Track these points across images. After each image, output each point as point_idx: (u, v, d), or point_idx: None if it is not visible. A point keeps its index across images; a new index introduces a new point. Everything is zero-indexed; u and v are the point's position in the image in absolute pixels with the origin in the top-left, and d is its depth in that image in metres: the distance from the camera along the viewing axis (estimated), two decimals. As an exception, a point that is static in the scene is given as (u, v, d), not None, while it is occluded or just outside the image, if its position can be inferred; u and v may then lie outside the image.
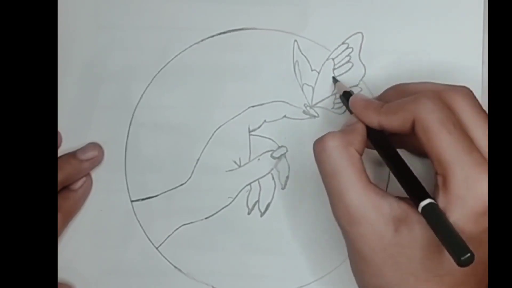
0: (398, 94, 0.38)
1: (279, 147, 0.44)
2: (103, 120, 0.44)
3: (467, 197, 0.32)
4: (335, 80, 0.43)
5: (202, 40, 0.44)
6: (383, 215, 0.34)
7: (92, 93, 0.44)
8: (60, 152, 0.43)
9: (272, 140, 0.44)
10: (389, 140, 0.37)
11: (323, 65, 0.43)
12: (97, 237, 0.44)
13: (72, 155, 0.43)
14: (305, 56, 0.44)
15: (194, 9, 0.44)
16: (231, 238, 0.43)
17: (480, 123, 0.34)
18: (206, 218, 0.44)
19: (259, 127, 0.44)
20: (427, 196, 0.33)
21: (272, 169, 0.44)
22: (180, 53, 0.44)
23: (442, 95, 0.35)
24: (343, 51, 0.43)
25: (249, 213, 0.44)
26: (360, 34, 0.43)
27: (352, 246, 0.35)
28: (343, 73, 0.43)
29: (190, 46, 0.44)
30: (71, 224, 0.43)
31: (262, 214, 0.44)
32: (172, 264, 0.44)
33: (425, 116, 0.33)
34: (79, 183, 0.43)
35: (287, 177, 0.44)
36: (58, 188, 0.42)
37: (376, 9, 0.43)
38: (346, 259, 0.42)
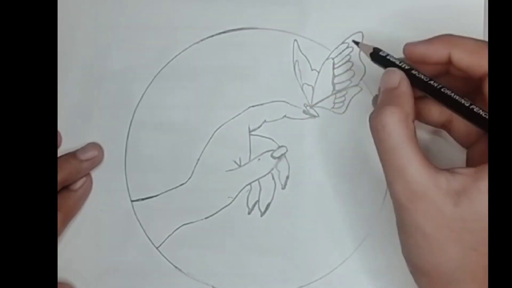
0: (445, 46, 0.37)
1: (279, 147, 0.44)
2: (103, 120, 0.44)
3: None
4: (356, 42, 0.41)
5: (202, 40, 0.44)
6: (442, 190, 0.33)
7: (92, 93, 0.44)
8: (60, 152, 0.43)
9: (272, 140, 0.44)
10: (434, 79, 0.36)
11: (323, 64, 0.43)
12: (97, 237, 0.44)
13: (72, 155, 0.43)
14: (305, 56, 0.44)
15: (194, 9, 0.44)
16: (231, 238, 0.43)
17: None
18: (206, 218, 0.44)
19: (259, 127, 0.44)
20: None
21: (272, 169, 0.44)
22: (180, 53, 0.44)
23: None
24: (343, 51, 0.43)
25: (249, 213, 0.44)
26: (360, 34, 0.43)
27: (411, 222, 0.34)
28: (343, 72, 0.43)
29: (190, 46, 0.44)
30: (71, 224, 0.43)
31: (262, 214, 0.44)
32: (172, 264, 0.43)
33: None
34: (79, 183, 0.43)
35: (287, 177, 0.44)
36: (58, 188, 0.42)
37: (376, 9, 0.43)
38: (346, 259, 0.43)
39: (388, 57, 0.38)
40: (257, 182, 0.44)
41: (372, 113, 0.35)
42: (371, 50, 0.39)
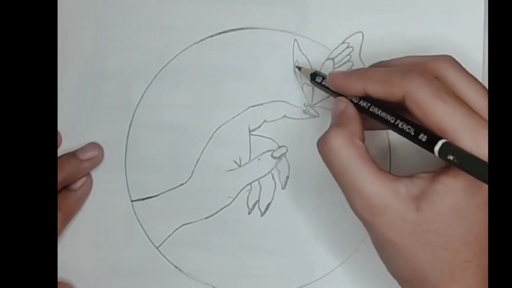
0: (360, 80, 0.37)
1: (279, 146, 0.44)
2: (103, 120, 0.44)
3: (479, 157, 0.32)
4: (298, 68, 0.43)
5: (202, 40, 0.44)
6: (402, 198, 0.34)
7: (92, 93, 0.44)
8: (60, 151, 0.43)
9: (272, 140, 0.44)
10: (379, 103, 0.36)
11: (323, 64, 0.43)
12: (97, 237, 0.44)
13: (72, 155, 0.43)
14: (305, 56, 0.43)
15: (194, 9, 0.44)
16: (231, 238, 0.43)
17: (472, 85, 0.35)
18: (206, 218, 0.44)
19: (259, 127, 0.44)
20: (438, 138, 0.32)
21: (272, 169, 0.44)
22: (180, 53, 0.44)
23: (427, 67, 0.35)
24: (343, 51, 0.43)
25: (249, 213, 0.44)
26: (360, 34, 0.43)
27: (378, 235, 0.35)
28: (343, 72, 0.43)
29: (190, 46, 0.44)
30: (71, 224, 0.43)
31: (262, 214, 0.44)
32: (172, 264, 0.44)
33: (415, 91, 0.33)
34: (79, 182, 0.43)
35: (287, 177, 0.44)
36: (58, 188, 0.42)
37: (376, 9, 0.43)
38: (346, 260, 0.43)
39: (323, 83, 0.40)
40: (257, 182, 0.44)
41: (319, 139, 0.36)
42: (309, 77, 0.41)
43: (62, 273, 0.43)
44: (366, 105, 0.36)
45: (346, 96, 0.37)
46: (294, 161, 0.44)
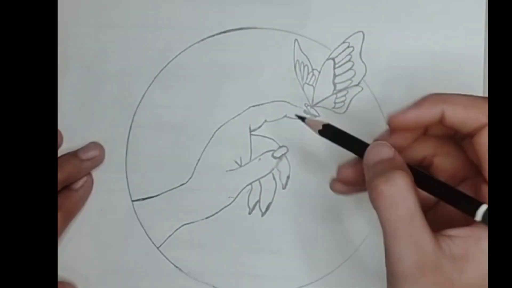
0: (436, 104, 0.34)
1: (280, 146, 0.44)
2: (104, 120, 0.44)
3: None
4: (302, 118, 0.39)
5: (202, 40, 0.44)
6: (448, 257, 0.32)
7: (93, 92, 0.44)
8: (61, 151, 0.43)
9: (273, 139, 0.44)
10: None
11: (323, 64, 0.43)
12: (98, 236, 0.44)
13: (73, 154, 0.43)
14: (305, 56, 0.43)
15: (194, 9, 0.44)
16: (232, 238, 0.43)
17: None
18: (207, 217, 0.44)
19: (259, 127, 0.44)
20: (479, 203, 0.31)
21: (273, 169, 0.44)
22: (180, 53, 0.44)
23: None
24: (343, 50, 0.43)
25: (250, 213, 0.44)
26: (361, 33, 0.43)
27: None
28: (344, 72, 0.43)
29: (190, 46, 0.44)
30: (72, 224, 0.43)
31: (263, 214, 0.44)
32: (173, 264, 0.44)
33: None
34: (80, 182, 0.43)
35: (288, 177, 0.44)
36: (59, 188, 0.42)
37: (377, 8, 0.43)
38: (346, 260, 0.43)
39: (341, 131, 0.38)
40: (257, 182, 0.44)
41: (376, 183, 0.32)
42: (320, 127, 0.38)
43: (63, 273, 0.43)
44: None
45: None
46: (295, 161, 0.43)
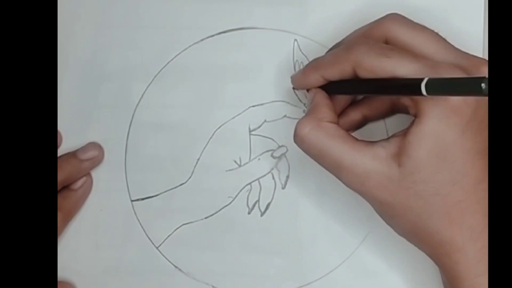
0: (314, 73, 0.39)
1: (279, 146, 0.44)
2: (103, 120, 0.44)
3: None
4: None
5: (202, 40, 0.44)
6: (382, 159, 0.35)
7: (92, 92, 0.44)
8: (61, 151, 0.43)
9: (273, 139, 0.44)
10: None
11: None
12: (97, 236, 0.44)
13: (73, 154, 0.43)
14: (305, 55, 0.43)
15: (194, 9, 0.44)
16: (231, 238, 0.43)
17: (420, 33, 0.36)
18: (206, 217, 0.44)
19: (259, 127, 0.44)
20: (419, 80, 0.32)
21: (272, 169, 0.44)
22: (180, 53, 0.44)
23: (372, 32, 0.37)
24: (343, 51, 0.43)
25: (249, 213, 0.44)
26: (361, 34, 0.43)
27: (373, 201, 0.36)
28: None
29: (190, 46, 0.44)
30: (71, 224, 0.43)
31: (262, 214, 0.44)
32: (172, 264, 0.44)
33: (361, 59, 0.35)
34: (79, 182, 0.43)
35: (287, 177, 0.44)
36: (59, 188, 0.42)
37: (376, 9, 0.43)
38: (345, 259, 0.43)
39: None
40: (257, 181, 0.44)
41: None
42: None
43: (62, 273, 0.43)
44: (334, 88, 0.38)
45: None
46: (294, 161, 0.44)
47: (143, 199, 0.44)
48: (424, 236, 0.35)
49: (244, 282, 0.43)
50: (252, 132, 0.44)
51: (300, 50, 0.44)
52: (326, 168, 0.37)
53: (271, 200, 0.44)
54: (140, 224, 0.44)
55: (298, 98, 0.43)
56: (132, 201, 0.44)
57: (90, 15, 0.44)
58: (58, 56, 0.43)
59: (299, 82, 0.40)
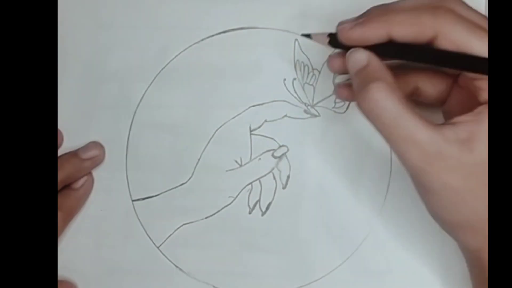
0: (381, 23, 0.35)
1: (280, 146, 0.44)
2: (104, 120, 0.44)
3: None
4: (307, 35, 0.38)
5: (202, 40, 0.44)
6: (453, 142, 0.33)
7: (93, 92, 0.44)
8: (62, 151, 0.43)
9: (273, 139, 0.44)
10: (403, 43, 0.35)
11: (324, 64, 0.43)
12: (98, 236, 0.44)
13: (74, 154, 0.43)
14: (306, 55, 0.43)
15: (194, 9, 0.44)
16: (232, 238, 0.43)
17: (480, 20, 0.34)
18: (207, 217, 0.44)
19: (260, 127, 0.44)
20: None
21: (273, 169, 0.44)
22: (180, 53, 0.44)
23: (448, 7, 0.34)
24: (344, 50, 0.43)
25: (250, 213, 0.44)
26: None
27: (437, 183, 0.34)
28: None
29: (190, 46, 0.44)
30: (72, 223, 0.43)
31: (263, 214, 0.44)
32: (173, 264, 0.44)
33: (451, 30, 0.33)
34: (80, 182, 0.43)
35: (288, 177, 0.43)
36: (59, 187, 0.42)
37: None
38: (346, 259, 0.43)
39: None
40: (258, 181, 0.44)
41: (357, 95, 0.34)
42: (328, 39, 0.37)
43: (63, 273, 0.43)
44: (393, 51, 0.35)
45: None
46: (295, 161, 0.43)
47: (143, 199, 0.44)
48: (479, 229, 0.34)
49: (245, 282, 0.43)
50: (253, 132, 0.44)
51: (301, 50, 0.43)
52: (392, 140, 0.34)
53: (272, 200, 0.44)
54: (141, 223, 0.44)
55: (299, 98, 0.43)
56: (133, 201, 0.44)
57: (90, 15, 0.44)
58: (58, 56, 0.43)
59: (355, 35, 0.35)
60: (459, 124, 0.33)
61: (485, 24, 0.34)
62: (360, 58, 0.35)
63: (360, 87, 0.34)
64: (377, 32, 0.34)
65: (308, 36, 0.38)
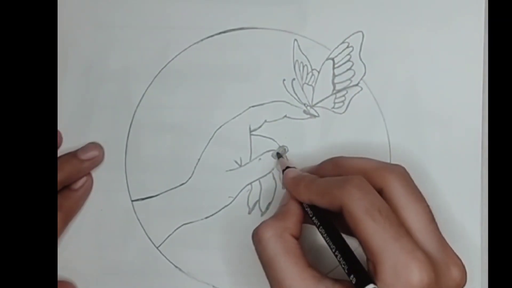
0: (334, 168, 0.38)
1: (280, 146, 0.44)
2: (103, 120, 0.44)
3: (396, 285, 0.32)
4: (278, 155, 0.43)
5: (202, 40, 0.44)
6: None
7: (93, 93, 0.44)
8: (61, 151, 0.43)
9: (273, 139, 0.44)
10: (328, 217, 0.36)
11: (323, 64, 0.43)
12: (97, 236, 0.44)
13: (73, 154, 0.43)
14: (305, 56, 0.43)
15: (194, 9, 0.44)
16: (232, 238, 0.43)
17: (414, 204, 0.35)
18: (206, 217, 0.44)
19: (259, 127, 0.44)
20: (369, 281, 0.32)
21: (273, 169, 0.44)
22: (180, 53, 0.44)
23: (373, 176, 0.35)
24: (343, 50, 0.43)
25: (249, 213, 0.44)
26: (361, 33, 0.43)
27: None
28: (343, 72, 0.43)
29: (190, 46, 0.44)
30: (71, 224, 0.43)
31: (263, 214, 0.44)
32: (173, 264, 0.44)
33: (350, 204, 0.34)
34: (80, 182, 0.43)
35: (288, 177, 0.44)
36: (59, 188, 0.42)
37: (377, 8, 0.43)
38: (346, 259, 0.43)
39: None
40: (257, 181, 0.44)
41: (262, 222, 0.36)
42: (283, 168, 0.41)
43: (63, 273, 0.43)
44: (311, 214, 0.37)
45: None
46: (295, 161, 0.43)
47: (143, 199, 0.44)
48: None
49: (244, 282, 0.43)
50: (253, 132, 0.44)
51: (300, 50, 0.44)
52: (267, 277, 0.36)
53: (272, 200, 0.44)
54: (141, 224, 0.44)
55: (298, 99, 0.43)
56: (132, 201, 0.44)
57: (90, 15, 0.44)
58: (58, 56, 0.43)
59: (289, 188, 0.39)
60: (337, 285, 0.34)
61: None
62: (285, 197, 0.39)
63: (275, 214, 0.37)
64: (302, 196, 0.37)
65: (279, 155, 0.43)
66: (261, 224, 0.36)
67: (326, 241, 0.36)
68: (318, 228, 0.36)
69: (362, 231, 0.33)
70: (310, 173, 0.39)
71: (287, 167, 0.41)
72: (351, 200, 0.34)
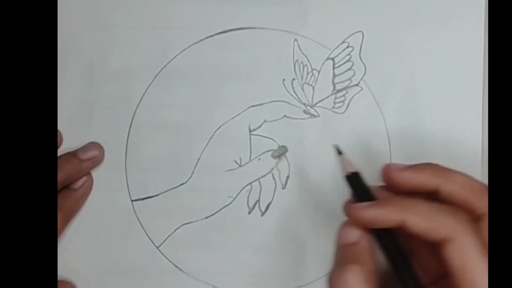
0: (433, 176, 0.34)
1: (280, 146, 0.44)
2: (103, 120, 0.44)
3: None
4: (339, 151, 0.37)
5: (201, 40, 0.44)
6: None
7: (93, 93, 0.44)
8: (61, 151, 0.43)
9: (273, 139, 0.44)
10: (399, 244, 0.33)
11: (323, 64, 0.43)
12: (97, 236, 0.44)
13: (73, 154, 0.43)
14: (305, 55, 0.43)
15: (194, 9, 0.44)
16: (232, 238, 0.43)
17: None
18: (206, 217, 0.44)
19: (259, 127, 0.44)
20: None
21: (272, 169, 0.44)
22: (180, 53, 0.44)
23: (477, 200, 0.33)
24: (343, 50, 0.43)
25: (249, 213, 0.44)
26: (361, 33, 0.43)
27: None
28: (343, 72, 0.43)
29: (190, 46, 0.44)
30: (71, 224, 0.43)
31: (262, 214, 0.44)
32: (173, 264, 0.44)
33: (462, 239, 0.31)
34: (80, 182, 0.43)
35: (288, 177, 0.44)
36: (59, 188, 0.42)
37: (377, 8, 0.43)
38: (346, 259, 0.43)
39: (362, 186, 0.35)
40: (257, 181, 0.44)
41: (332, 271, 0.32)
42: (347, 173, 0.36)
43: (63, 273, 0.43)
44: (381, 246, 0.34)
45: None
46: (295, 161, 0.43)
47: (143, 199, 0.44)
48: None
49: (244, 282, 0.43)
50: (252, 132, 0.44)
51: (300, 50, 0.44)
52: None
53: (272, 200, 0.44)
54: (141, 224, 0.44)
55: (298, 98, 0.43)
56: (132, 201, 0.44)
57: (90, 15, 0.44)
58: (58, 56, 0.43)
59: (369, 214, 0.33)
60: None
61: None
62: (351, 233, 0.34)
63: (339, 263, 0.33)
64: (392, 218, 0.32)
65: (339, 152, 0.36)
66: (345, 268, 0.32)
67: (396, 272, 0.33)
68: (389, 258, 0.34)
69: (471, 271, 0.31)
70: (399, 170, 0.35)
71: (353, 173, 0.35)
72: (464, 234, 0.31)
